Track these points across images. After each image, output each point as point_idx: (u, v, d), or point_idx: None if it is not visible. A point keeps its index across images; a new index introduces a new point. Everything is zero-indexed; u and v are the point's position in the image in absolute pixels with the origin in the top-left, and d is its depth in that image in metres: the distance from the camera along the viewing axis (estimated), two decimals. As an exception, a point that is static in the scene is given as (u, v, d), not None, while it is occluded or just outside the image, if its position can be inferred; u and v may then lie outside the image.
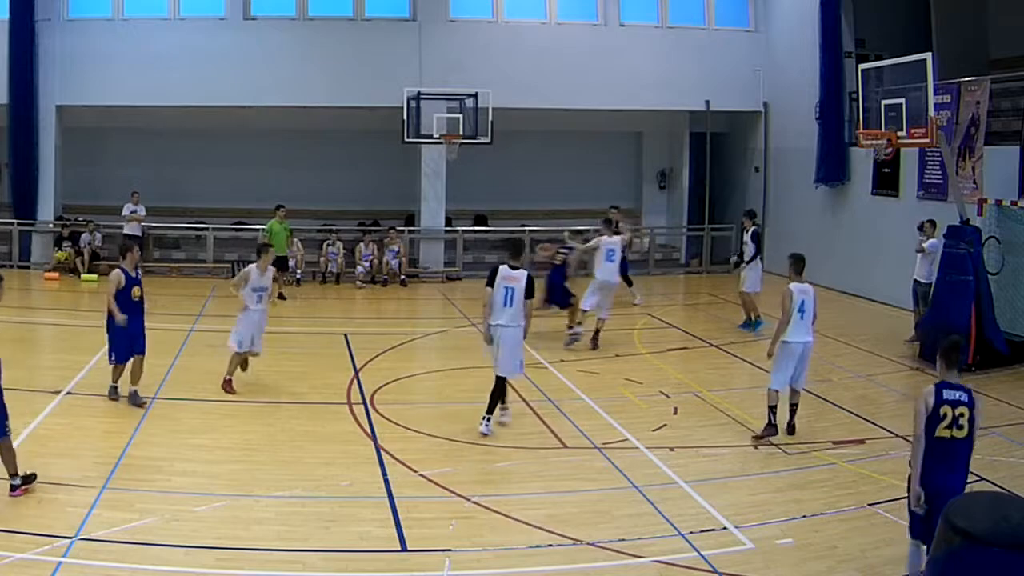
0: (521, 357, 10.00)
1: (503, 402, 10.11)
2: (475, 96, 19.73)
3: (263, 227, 18.60)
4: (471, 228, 22.56)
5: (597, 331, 14.10)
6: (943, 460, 6.25)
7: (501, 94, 19.70)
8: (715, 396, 11.59)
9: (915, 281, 14.43)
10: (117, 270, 10.35)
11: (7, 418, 7.66)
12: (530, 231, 21.80)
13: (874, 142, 14.34)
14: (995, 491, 7.94)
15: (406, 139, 20.09)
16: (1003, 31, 18.21)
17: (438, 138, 19.88)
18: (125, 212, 19.83)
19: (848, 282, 18.46)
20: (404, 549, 7.19)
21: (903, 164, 17.51)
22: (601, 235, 14.44)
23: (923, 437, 6.28)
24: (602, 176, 23.76)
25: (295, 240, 19.53)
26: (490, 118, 19.67)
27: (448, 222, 21.89)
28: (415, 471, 8.76)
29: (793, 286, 9.90)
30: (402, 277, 20.29)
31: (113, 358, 10.36)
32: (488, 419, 9.87)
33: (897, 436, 9.89)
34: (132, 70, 19.95)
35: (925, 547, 6.22)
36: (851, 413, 10.98)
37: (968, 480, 8.13)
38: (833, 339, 14.28)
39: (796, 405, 10.09)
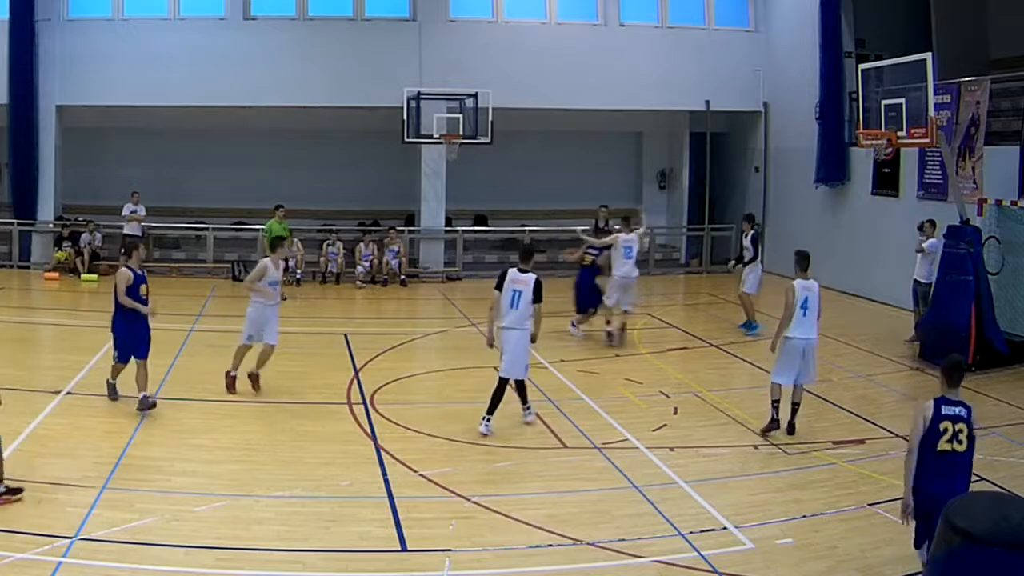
0: (526, 361, 10.03)
1: (524, 402, 10.21)
2: (475, 96, 19.73)
3: (263, 227, 18.58)
4: (471, 228, 22.56)
5: (624, 326, 14.39)
6: (946, 473, 6.33)
7: (501, 94, 19.70)
8: (715, 396, 11.59)
9: (915, 281, 14.44)
10: (124, 268, 10.31)
11: None
12: (530, 231, 21.88)
13: (874, 142, 14.34)
14: (995, 491, 7.95)
15: (406, 139, 20.09)
16: (1003, 31, 18.21)
17: (438, 138, 19.88)
18: (125, 212, 19.83)
19: (848, 282, 18.46)
20: (404, 549, 7.19)
21: (903, 164, 17.51)
22: (619, 232, 14.57)
23: (916, 452, 6.38)
24: (602, 176, 23.75)
25: (295, 240, 19.53)
26: (490, 118, 19.67)
27: (448, 222, 21.89)
28: (415, 471, 8.76)
29: (797, 282, 9.98)
30: (402, 277, 20.29)
31: (115, 356, 10.32)
32: (488, 419, 9.88)
33: (897, 436, 9.89)
34: (132, 70, 19.95)
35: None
36: (851, 413, 10.98)
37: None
38: (833, 339, 14.27)
39: (798, 404, 10.09)
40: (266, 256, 11.54)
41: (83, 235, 19.95)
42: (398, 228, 20.94)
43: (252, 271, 11.39)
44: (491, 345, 10.18)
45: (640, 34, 21.96)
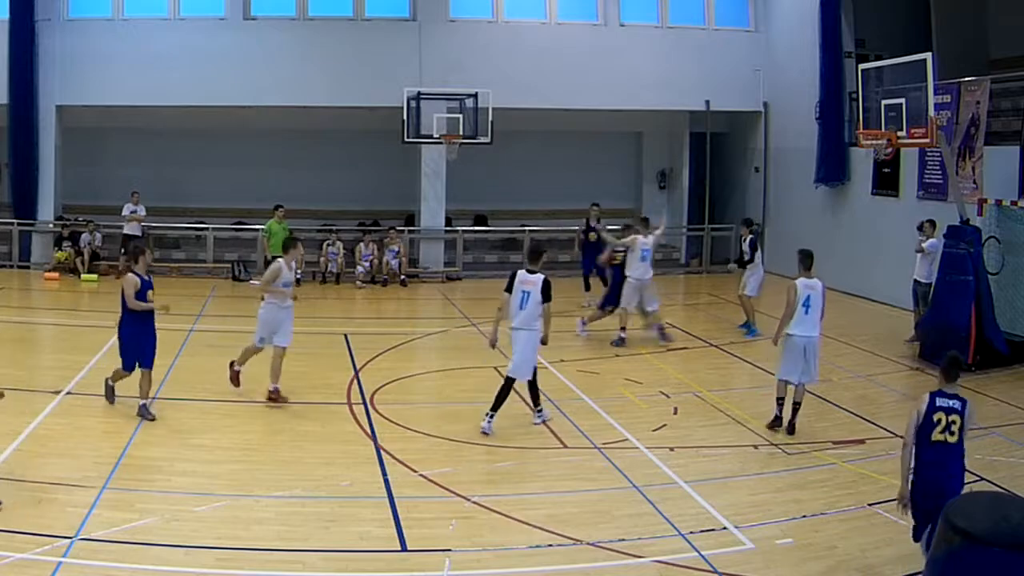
0: (534, 363, 10.07)
1: (536, 403, 10.23)
2: (475, 96, 19.73)
3: (262, 227, 18.58)
4: (471, 228, 22.56)
5: (661, 326, 14.60)
6: (940, 462, 6.54)
7: (501, 94, 19.70)
8: (715, 396, 11.59)
9: (915, 281, 14.44)
10: (131, 274, 10.04)
11: None
12: (530, 231, 21.88)
13: (874, 142, 14.33)
14: (995, 491, 7.95)
15: (406, 139, 20.09)
16: (1003, 31, 18.21)
17: (438, 138, 19.88)
18: (125, 212, 19.83)
19: (848, 282, 18.45)
20: (404, 549, 7.19)
21: (903, 164, 17.51)
22: (637, 234, 14.63)
23: (911, 446, 6.62)
24: (602, 176, 23.75)
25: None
26: (490, 118, 19.67)
27: (448, 222, 21.89)
28: (415, 471, 8.76)
29: (799, 281, 10.08)
30: (402, 277, 20.29)
31: (122, 364, 10.10)
32: (491, 417, 9.88)
33: (897, 436, 9.85)
34: (132, 70, 19.95)
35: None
36: (851, 413, 10.98)
37: (968, 480, 8.18)
38: (833, 339, 14.27)
39: (799, 404, 10.12)
40: (278, 257, 11.37)
41: (83, 235, 19.95)
42: (398, 228, 20.94)
43: (266, 272, 11.18)
44: (493, 346, 10.21)
45: (640, 34, 21.96)
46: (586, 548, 7.24)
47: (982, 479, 8.53)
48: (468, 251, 21.92)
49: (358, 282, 20.01)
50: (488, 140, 19.84)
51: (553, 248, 20.93)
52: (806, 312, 9.95)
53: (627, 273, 14.43)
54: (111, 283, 19.09)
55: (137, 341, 9.97)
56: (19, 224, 20.40)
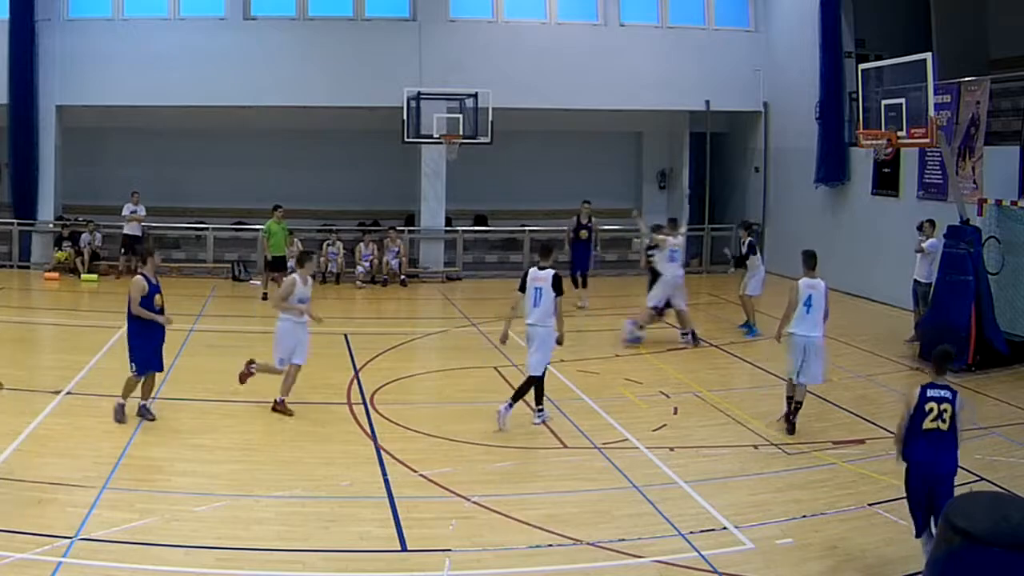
0: (547, 358, 10.14)
1: (539, 403, 10.28)
2: (475, 96, 19.73)
3: (262, 227, 18.59)
4: (471, 228, 22.56)
5: (694, 331, 14.58)
6: (934, 449, 6.78)
7: (501, 94, 19.70)
8: (715, 396, 11.59)
9: (915, 281, 14.44)
10: (139, 277, 9.82)
11: None
12: (530, 231, 21.87)
13: (874, 142, 14.33)
14: (995, 491, 7.95)
15: (406, 139, 20.09)
16: (1003, 31, 18.21)
17: (438, 138, 19.88)
18: (125, 212, 19.82)
19: (848, 282, 18.44)
20: (404, 549, 7.19)
21: (903, 164, 17.51)
22: (667, 235, 14.71)
23: (901, 439, 6.93)
24: (602, 176, 23.74)
25: (295, 240, 19.54)
26: (490, 118, 19.67)
27: (448, 222, 21.89)
28: (415, 471, 8.76)
29: (801, 281, 10.19)
30: (402, 277, 20.29)
31: (134, 368, 9.77)
32: (510, 406, 10.02)
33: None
34: (132, 70, 19.95)
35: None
36: (851, 413, 10.98)
37: (968, 480, 8.21)
38: (833, 339, 14.21)
39: (800, 403, 10.15)
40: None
41: (83, 235, 19.96)
42: (398, 228, 20.94)
43: (280, 288, 10.96)
44: (503, 341, 10.35)
45: (640, 34, 21.96)
46: (586, 548, 7.24)
47: (982, 479, 8.53)
48: (468, 251, 21.92)
49: (358, 282, 20.01)
50: (488, 140, 19.84)
51: (555, 248, 20.96)
52: (808, 312, 10.05)
53: (660, 272, 14.53)
54: (111, 283, 19.13)
55: (147, 345, 9.75)
56: (19, 224, 20.41)
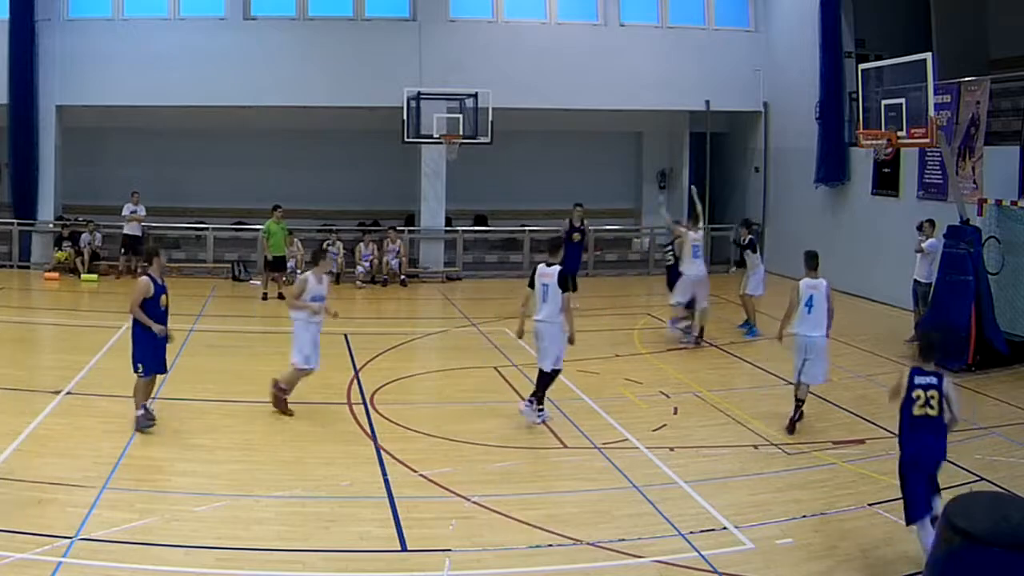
0: (558, 353, 10.19)
1: (540, 402, 10.29)
2: (475, 96, 19.74)
3: (262, 227, 18.59)
4: (471, 228, 22.56)
5: (702, 330, 14.59)
6: (924, 433, 6.99)
7: (501, 94, 19.71)
8: (715, 396, 11.59)
9: (915, 281, 14.44)
10: (145, 278, 9.55)
11: None
12: (530, 231, 21.87)
13: (874, 142, 14.33)
14: (995, 491, 7.96)
15: (406, 139, 20.09)
16: (1003, 31, 18.21)
17: (438, 138, 19.88)
18: (125, 212, 19.82)
19: (848, 282, 18.43)
20: (404, 549, 7.19)
21: (903, 164, 17.51)
22: (688, 230, 14.78)
23: (899, 401, 7.16)
24: (602, 176, 23.76)
25: (295, 240, 19.56)
26: (490, 118, 19.68)
27: (448, 222, 21.89)
28: (415, 471, 8.76)
29: (803, 281, 10.25)
30: (402, 277, 20.29)
31: (141, 369, 9.52)
32: (531, 403, 10.13)
33: (897, 436, 9.87)
34: (132, 70, 19.96)
35: (928, 521, 6.78)
36: (851, 413, 10.98)
37: (968, 480, 8.22)
38: (833, 339, 14.08)
39: (802, 402, 10.16)
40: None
41: (83, 235, 19.95)
42: (398, 228, 20.94)
43: (293, 286, 10.82)
44: (520, 336, 10.47)
45: (640, 34, 21.97)
46: (586, 548, 7.24)
47: (982, 479, 8.54)
48: (468, 251, 21.92)
49: (358, 282, 20.01)
50: (488, 140, 19.85)
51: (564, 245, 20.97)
52: (809, 312, 10.10)
53: (682, 270, 14.53)
54: (111, 283, 19.14)
55: (154, 347, 9.55)
56: (19, 224, 20.41)
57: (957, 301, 13.06)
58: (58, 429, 9.53)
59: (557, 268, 10.12)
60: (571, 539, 7.36)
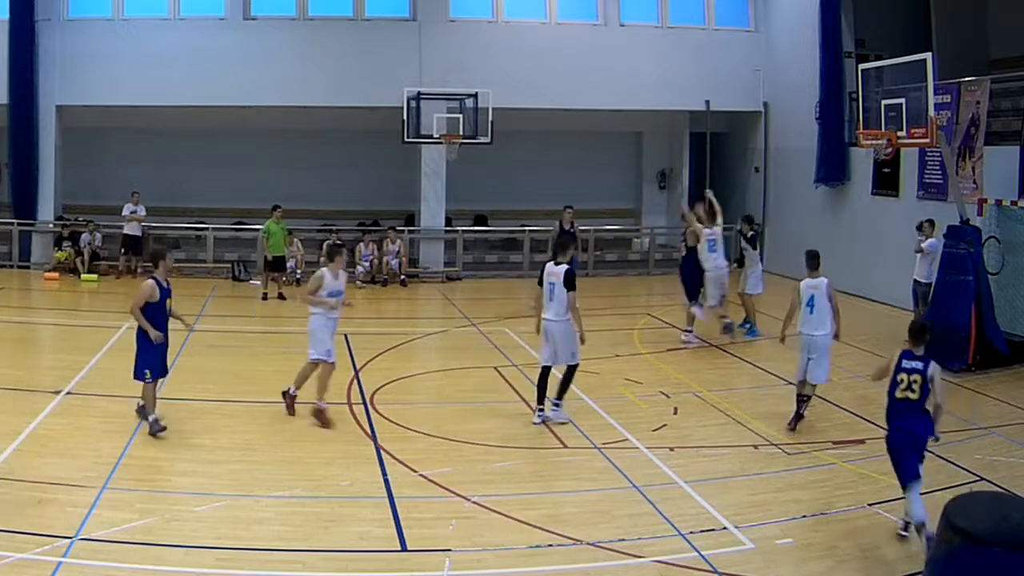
0: (572, 349, 10.26)
1: (540, 401, 10.31)
2: (475, 96, 19.73)
3: (262, 227, 18.60)
4: (471, 228, 22.56)
5: (723, 319, 14.60)
6: (906, 415, 7.25)
7: (501, 94, 19.70)
8: (715, 396, 11.58)
9: (915, 281, 14.45)
10: (150, 280, 9.41)
11: None
12: (530, 231, 21.87)
13: (874, 142, 14.33)
14: (995, 491, 7.96)
15: (406, 139, 20.09)
16: (1003, 31, 18.21)
17: (438, 138, 19.88)
18: (125, 212, 19.83)
19: (848, 282, 18.38)
20: (404, 549, 7.18)
21: (903, 164, 17.51)
22: (700, 222, 14.60)
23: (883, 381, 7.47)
24: (602, 176, 23.77)
25: (295, 240, 19.55)
26: (490, 118, 19.67)
27: (448, 222, 21.89)
28: (415, 471, 8.75)
29: (804, 282, 10.35)
30: (402, 277, 20.29)
31: (149, 376, 9.39)
32: (556, 405, 10.21)
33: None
34: (132, 70, 19.95)
35: (915, 486, 7.07)
36: (851, 413, 10.97)
37: (968, 480, 8.22)
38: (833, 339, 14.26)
39: (808, 398, 10.21)
40: (324, 266, 10.78)
41: (83, 235, 19.95)
42: (398, 228, 20.94)
43: (309, 282, 10.71)
44: (538, 332, 10.46)
45: (640, 34, 21.97)
46: (586, 548, 7.24)
47: (982, 479, 8.54)
48: (468, 251, 21.91)
49: (358, 282, 19.98)
50: (488, 140, 19.85)
51: (571, 244, 20.93)
52: (811, 312, 10.19)
53: (704, 267, 14.37)
54: (111, 283, 19.14)
55: (159, 350, 9.48)
56: (19, 224, 20.40)
57: (957, 301, 13.05)
58: (58, 429, 9.52)
59: (564, 267, 10.14)
60: (571, 539, 7.36)
